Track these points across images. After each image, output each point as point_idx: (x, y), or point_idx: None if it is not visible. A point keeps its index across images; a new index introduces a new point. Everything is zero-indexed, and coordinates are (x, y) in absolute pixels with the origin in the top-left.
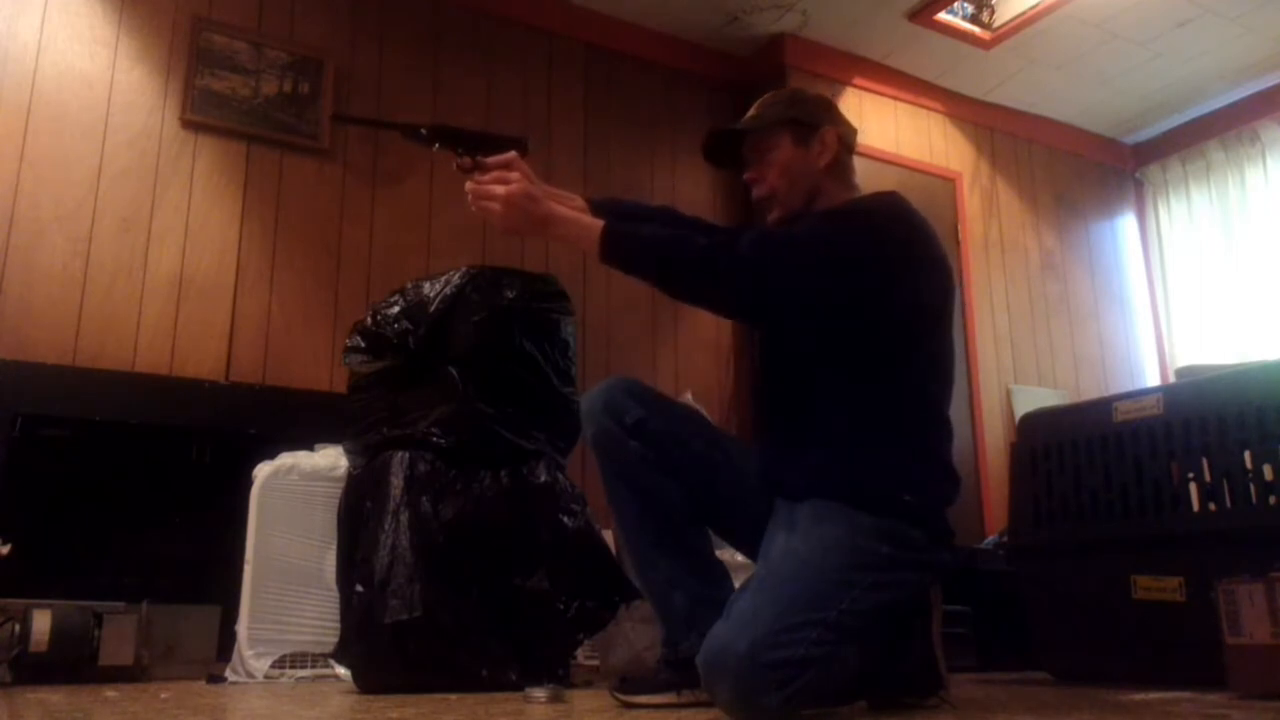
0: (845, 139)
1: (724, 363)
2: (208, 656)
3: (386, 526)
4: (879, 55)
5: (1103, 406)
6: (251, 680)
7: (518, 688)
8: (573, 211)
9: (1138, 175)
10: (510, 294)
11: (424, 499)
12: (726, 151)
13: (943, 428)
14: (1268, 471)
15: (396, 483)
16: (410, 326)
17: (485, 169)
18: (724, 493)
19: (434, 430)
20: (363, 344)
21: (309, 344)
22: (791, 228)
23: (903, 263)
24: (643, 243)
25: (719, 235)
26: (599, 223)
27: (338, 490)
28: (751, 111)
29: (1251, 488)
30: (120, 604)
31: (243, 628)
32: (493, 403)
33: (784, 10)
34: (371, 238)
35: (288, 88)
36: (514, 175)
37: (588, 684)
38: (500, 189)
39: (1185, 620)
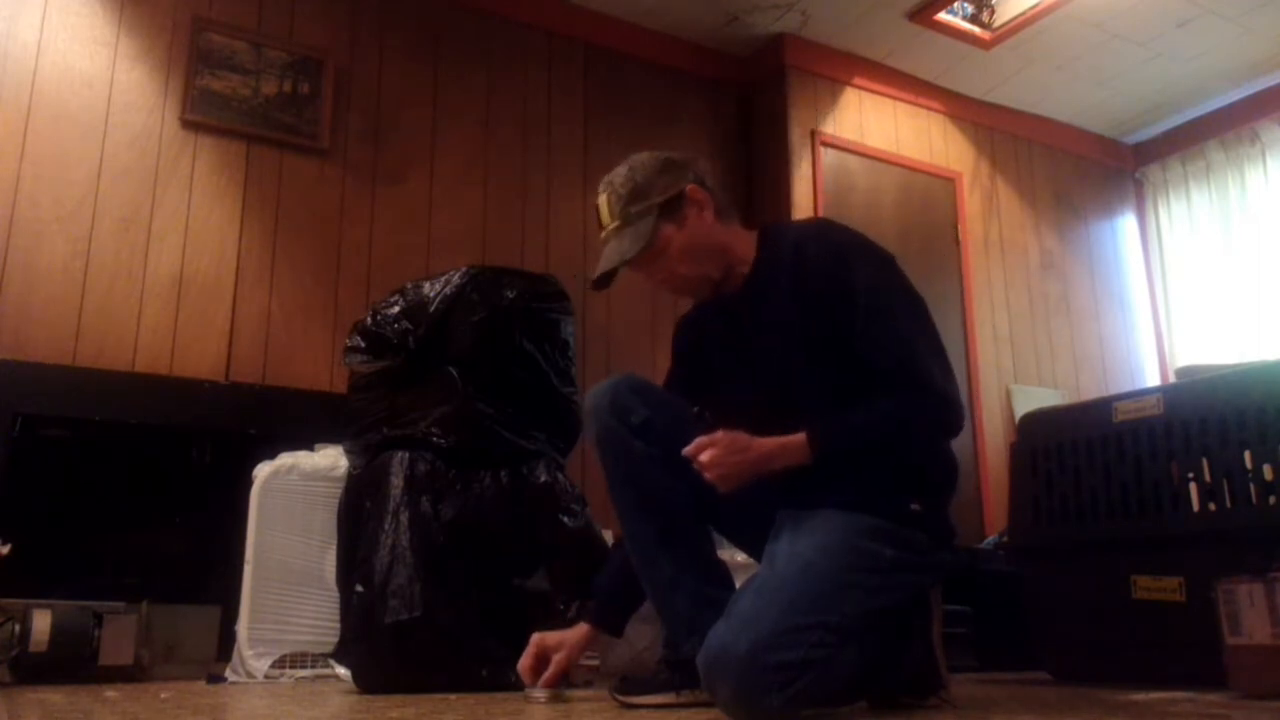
0: (702, 178)
1: None
2: (208, 656)
3: (386, 526)
4: (879, 55)
5: (1103, 406)
6: (251, 680)
7: (518, 688)
8: (776, 440)
9: (1138, 175)
10: (510, 294)
11: (424, 499)
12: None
13: None
14: (1268, 471)
15: (396, 483)
16: (410, 326)
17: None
18: (727, 493)
19: (434, 430)
20: (363, 344)
21: (309, 344)
22: (900, 321)
23: None
24: (853, 436)
25: (900, 388)
26: (801, 437)
27: (338, 490)
28: (608, 218)
29: (1251, 488)
30: (120, 604)
31: (243, 628)
32: (493, 403)
33: (784, 10)
34: (371, 238)
35: (288, 88)
36: (716, 436)
37: (588, 684)
38: (706, 455)
39: (1185, 620)
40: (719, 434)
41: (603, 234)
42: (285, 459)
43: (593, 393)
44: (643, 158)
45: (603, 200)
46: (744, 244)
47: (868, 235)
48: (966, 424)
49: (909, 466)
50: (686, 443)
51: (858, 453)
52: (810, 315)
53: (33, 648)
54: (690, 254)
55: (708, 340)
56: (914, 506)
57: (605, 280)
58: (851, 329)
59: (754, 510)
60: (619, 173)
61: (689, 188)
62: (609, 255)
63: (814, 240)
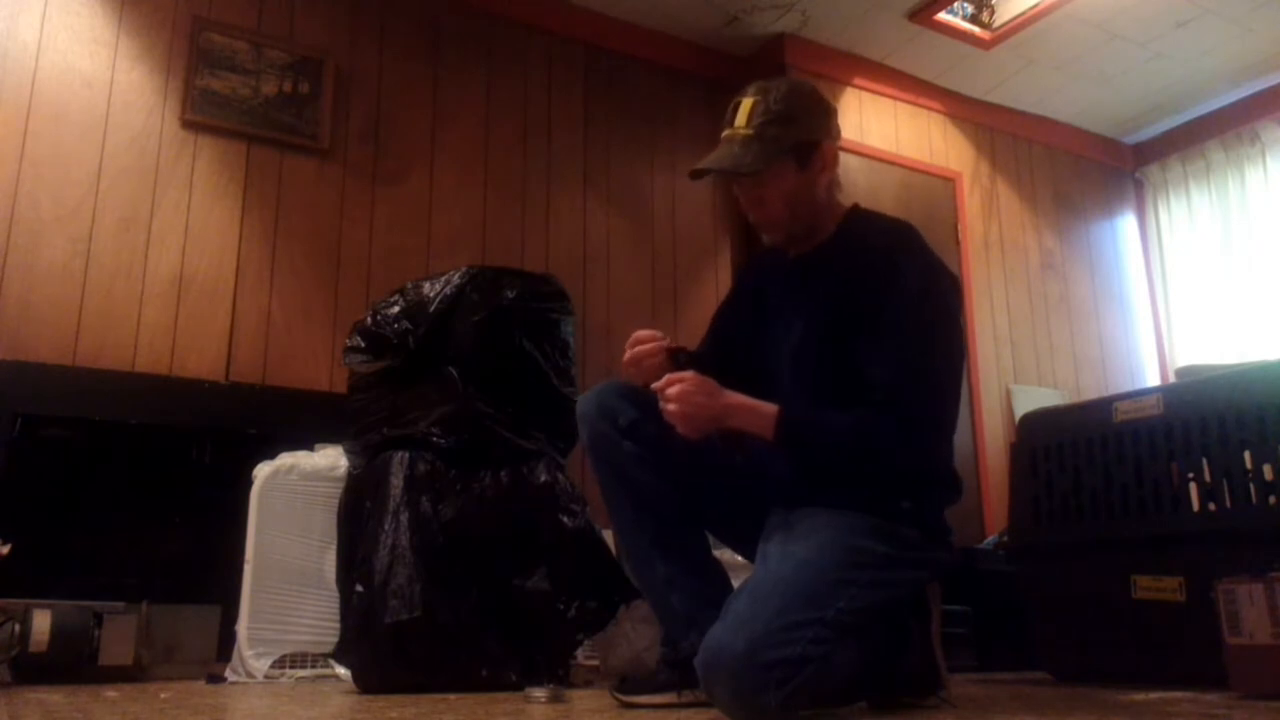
0: (839, 149)
1: None
2: (208, 656)
3: (386, 526)
4: (879, 55)
5: (1103, 406)
6: (251, 680)
7: (518, 688)
8: (746, 399)
9: (1138, 175)
10: (510, 294)
11: (424, 499)
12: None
13: None
14: (1268, 471)
15: (396, 483)
16: (410, 326)
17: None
18: (720, 493)
19: (434, 430)
20: (363, 344)
21: (309, 344)
22: (910, 337)
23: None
24: (820, 434)
25: (880, 407)
26: (771, 409)
27: (338, 490)
28: (743, 124)
29: (1251, 488)
30: (120, 604)
31: (243, 628)
32: (493, 403)
33: (784, 10)
34: (371, 238)
35: (288, 88)
36: (687, 374)
37: (588, 684)
38: (674, 389)
39: (1185, 620)
40: (690, 373)
41: (727, 131)
42: (285, 459)
43: (581, 399)
44: (807, 87)
45: (748, 102)
46: (835, 216)
47: (940, 258)
48: (967, 424)
49: (904, 472)
50: (676, 444)
51: (818, 458)
52: (844, 305)
53: (33, 648)
54: (791, 200)
55: (765, 288)
56: (905, 504)
57: (702, 174)
58: (871, 331)
59: (745, 510)
60: (779, 87)
61: (828, 145)
62: (723, 157)
63: (881, 239)
